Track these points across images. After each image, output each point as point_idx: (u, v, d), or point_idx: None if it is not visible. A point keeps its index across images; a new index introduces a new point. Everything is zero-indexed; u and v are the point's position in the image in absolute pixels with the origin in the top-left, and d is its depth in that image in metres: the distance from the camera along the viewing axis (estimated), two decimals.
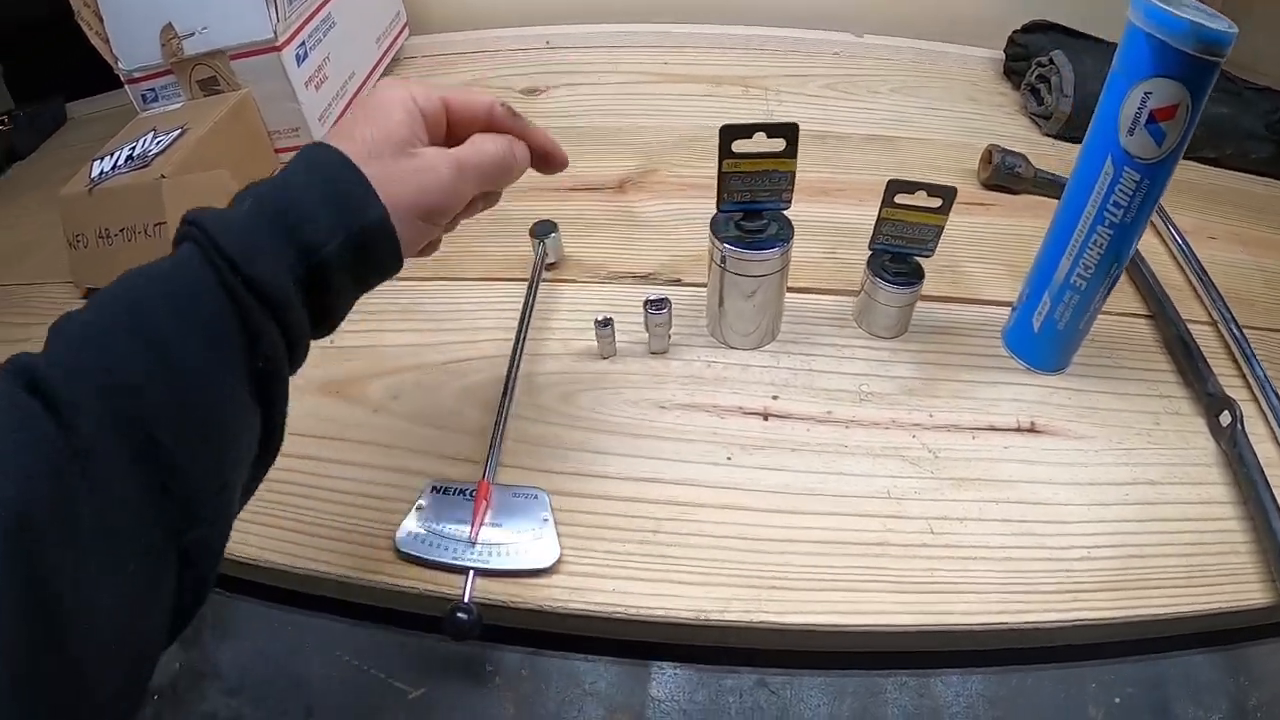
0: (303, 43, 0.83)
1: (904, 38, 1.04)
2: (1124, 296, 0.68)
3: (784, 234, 0.57)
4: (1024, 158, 0.78)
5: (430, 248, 0.47)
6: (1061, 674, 0.50)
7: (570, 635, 0.51)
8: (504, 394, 0.58)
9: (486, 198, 0.49)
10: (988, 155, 0.79)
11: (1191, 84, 0.45)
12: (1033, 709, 0.50)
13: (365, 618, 0.54)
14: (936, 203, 0.55)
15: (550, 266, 0.71)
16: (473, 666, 0.52)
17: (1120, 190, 0.50)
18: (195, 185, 0.73)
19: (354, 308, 0.42)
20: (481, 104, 0.46)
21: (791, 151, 0.53)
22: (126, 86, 0.85)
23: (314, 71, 0.86)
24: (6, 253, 0.85)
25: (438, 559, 0.50)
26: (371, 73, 0.99)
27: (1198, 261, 0.70)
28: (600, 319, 0.60)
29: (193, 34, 0.80)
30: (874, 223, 0.58)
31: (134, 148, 0.77)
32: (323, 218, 0.37)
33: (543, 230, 0.69)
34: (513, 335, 0.62)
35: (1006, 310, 0.64)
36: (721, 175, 0.54)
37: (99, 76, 0.84)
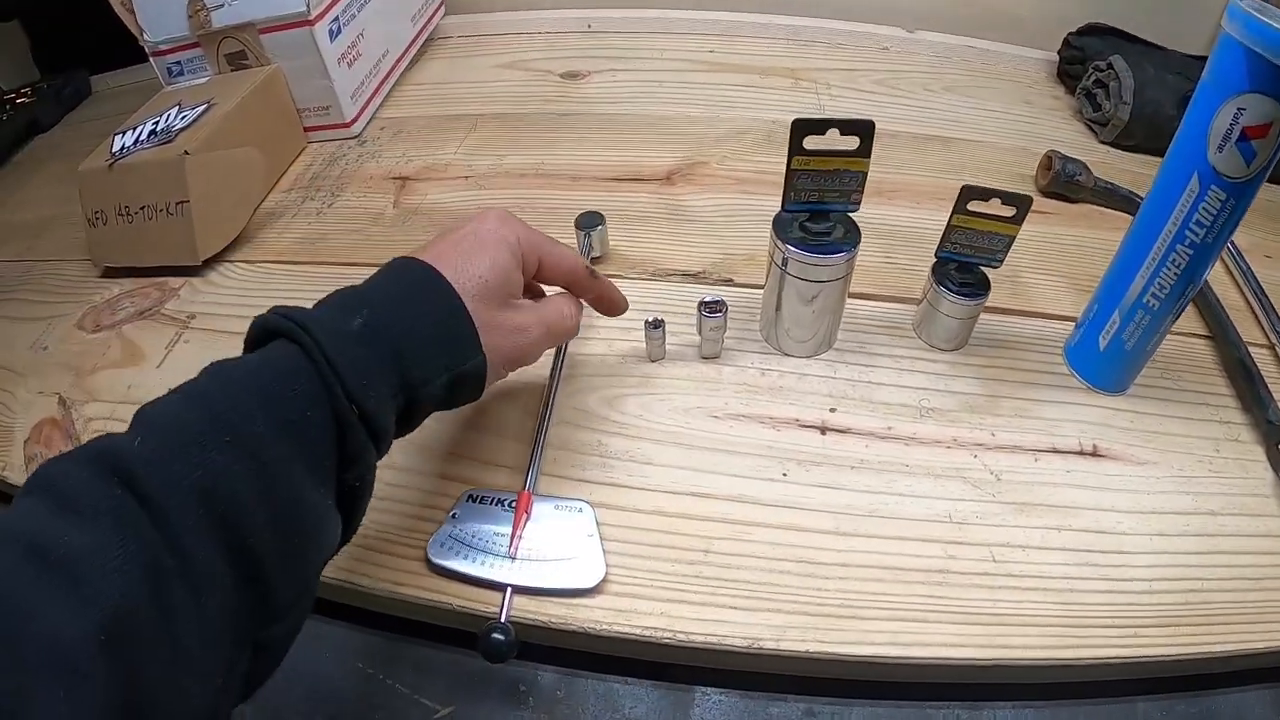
0: (336, 18, 0.81)
1: (956, 35, 1.01)
2: (1185, 316, 0.64)
3: (851, 238, 0.54)
4: (1084, 165, 0.75)
5: None
6: (1113, 709, 0.49)
7: (609, 655, 0.49)
8: (546, 397, 0.55)
9: None
10: (1047, 161, 0.76)
11: None
12: None
13: (390, 628, 0.52)
14: (1010, 211, 0.52)
15: (595, 260, 0.68)
16: (505, 685, 0.50)
17: (1204, 209, 0.47)
18: (221, 162, 0.71)
19: None
20: (568, 265, 0.50)
21: (865, 151, 0.50)
22: (152, 59, 0.83)
23: (347, 48, 0.83)
24: (25, 228, 0.83)
25: (473, 574, 0.47)
26: (406, 51, 0.97)
27: (1257, 281, 0.68)
28: (651, 320, 0.57)
29: (221, 6, 0.79)
30: (943, 229, 0.55)
31: (158, 122, 0.75)
32: (431, 359, 0.40)
33: (589, 222, 0.66)
34: None
35: (1067, 325, 0.62)
36: (790, 172, 0.51)
37: (124, 49, 0.83)
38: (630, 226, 0.72)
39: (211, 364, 0.36)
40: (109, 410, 0.60)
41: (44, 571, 0.26)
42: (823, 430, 0.56)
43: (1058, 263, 0.69)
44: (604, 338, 0.62)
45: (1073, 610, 0.47)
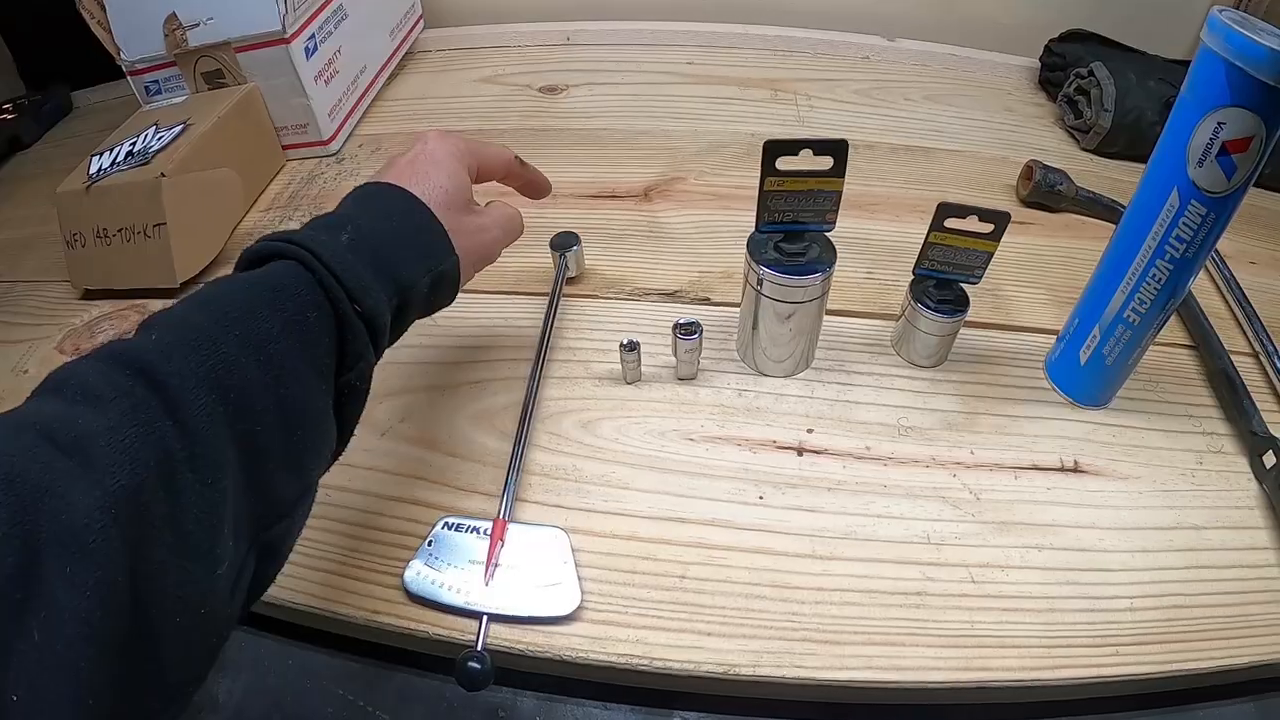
0: (312, 35, 0.80)
1: (936, 43, 1.01)
2: (1167, 325, 0.64)
3: (826, 258, 0.54)
4: (1065, 175, 0.75)
5: None
6: None
7: (587, 681, 0.49)
8: (521, 421, 0.55)
9: None
10: (1028, 171, 0.76)
11: (1269, 117, 0.42)
12: None
13: (370, 654, 0.51)
14: (988, 228, 0.52)
15: (571, 280, 0.68)
16: (485, 711, 0.49)
17: (1184, 224, 0.47)
18: (197, 184, 0.71)
19: None
20: (503, 160, 0.55)
21: (840, 171, 0.49)
22: (129, 78, 0.82)
23: (324, 65, 0.83)
24: (7, 247, 0.82)
25: (449, 602, 0.47)
26: (384, 67, 0.96)
27: (1240, 289, 0.67)
28: (626, 342, 0.56)
29: (198, 24, 0.78)
30: (920, 246, 0.55)
31: (134, 143, 0.74)
32: (414, 261, 0.43)
33: (563, 242, 0.66)
34: (531, 354, 0.59)
35: (1048, 338, 0.61)
36: (763, 193, 0.51)
37: (106, 65, 0.82)
38: (607, 245, 0.72)
39: (212, 279, 0.39)
40: None
41: (58, 453, 0.27)
42: (800, 451, 0.55)
43: (1039, 274, 0.69)
44: (580, 359, 0.62)
45: (1053, 630, 0.47)
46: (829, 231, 0.53)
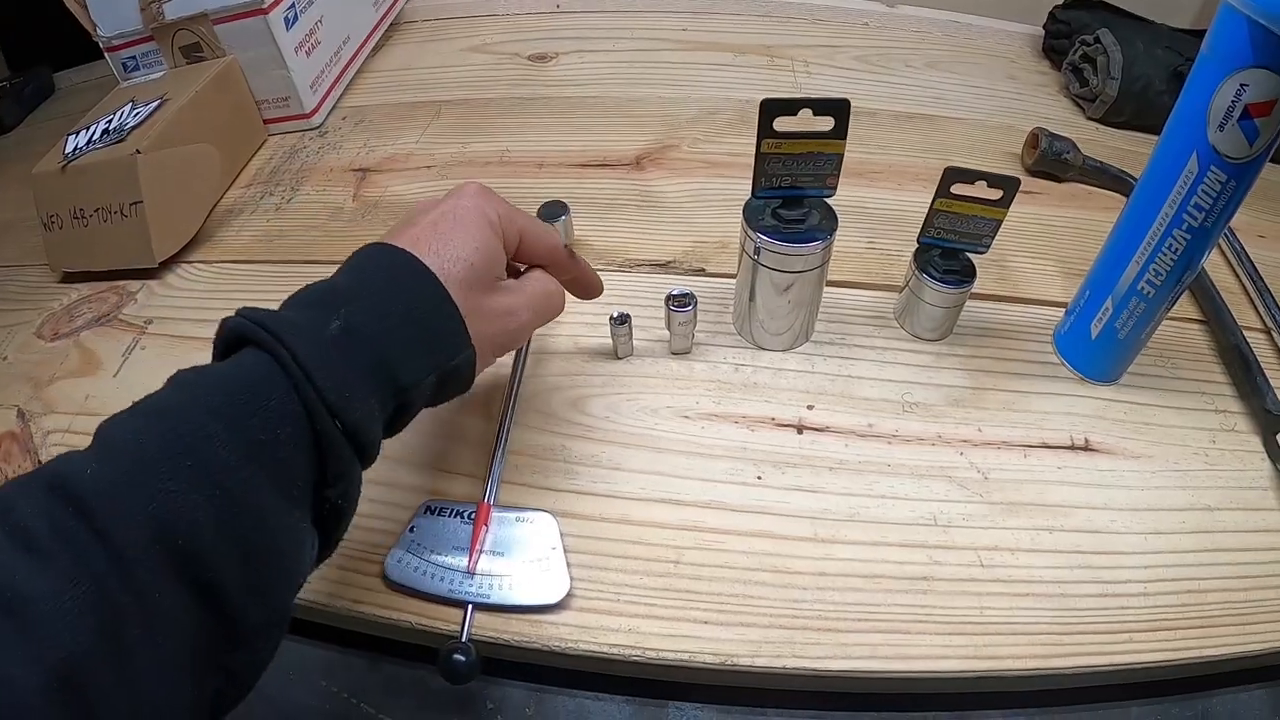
0: (291, 5, 0.78)
1: (937, 9, 0.98)
2: (1179, 300, 0.63)
3: (827, 225, 0.51)
4: (1072, 143, 0.73)
5: None
6: (1106, 714, 0.48)
7: (580, 671, 0.47)
8: (507, 400, 0.53)
9: None
10: (1033, 139, 0.74)
11: None
12: None
13: (355, 645, 0.50)
14: (996, 194, 0.50)
15: None
16: (473, 704, 0.48)
17: (1204, 191, 0.45)
18: (174, 160, 0.69)
19: None
20: (549, 244, 0.46)
21: (841, 132, 0.47)
22: (106, 55, 0.81)
23: (305, 36, 0.80)
24: None
25: (432, 591, 0.45)
26: (368, 38, 0.94)
27: (1251, 263, 0.66)
28: (616, 315, 0.54)
29: None
30: (925, 214, 0.52)
31: (111, 121, 0.73)
32: (418, 358, 0.37)
33: (552, 212, 0.63)
34: None
35: (1056, 311, 0.60)
36: (760, 156, 0.48)
37: (88, 44, 0.80)
38: (597, 215, 0.70)
39: (178, 372, 0.34)
40: (67, 422, 0.57)
41: None
42: (799, 429, 0.53)
43: (1047, 245, 0.67)
44: (569, 334, 0.59)
45: (1064, 616, 0.45)
46: (829, 197, 0.51)
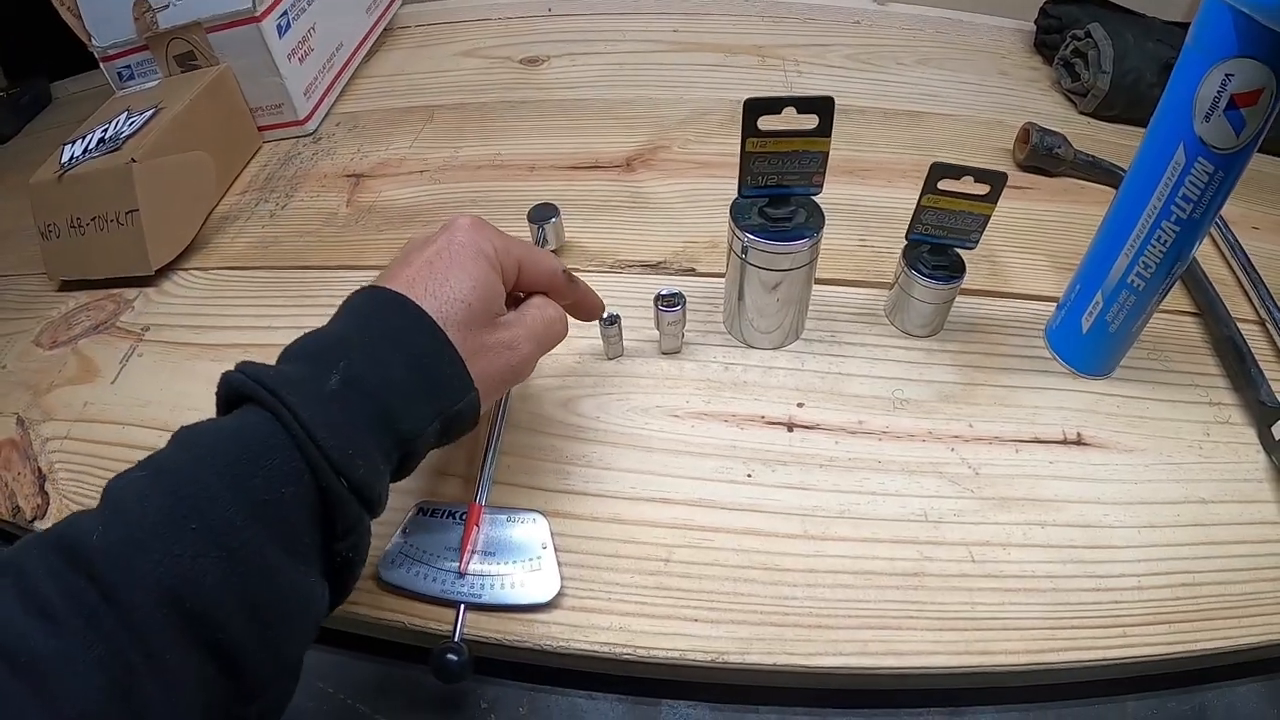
0: (284, 12, 0.78)
1: (929, 6, 0.98)
2: (1171, 292, 0.63)
3: (813, 222, 0.51)
4: (1063, 138, 0.73)
5: None
6: (1101, 709, 0.47)
7: (573, 670, 0.47)
8: (498, 402, 0.53)
9: None
10: (1024, 134, 0.73)
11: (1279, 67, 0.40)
12: None
13: (347, 645, 0.50)
14: (984, 189, 0.50)
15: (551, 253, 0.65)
16: (466, 703, 0.47)
17: (1191, 182, 0.45)
18: (170, 168, 0.69)
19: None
20: (548, 271, 0.46)
21: (825, 130, 0.47)
22: (101, 65, 0.81)
23: (297, 43, 0.81)
24: None
25: (424, 591, 0.45)
26: (361, 43, 0.94)
27: (1245, 254, 0.65)
28: (606, 316, 0.54)
29: (167, 6, 0.76)
30: (912, 210, 0.52)
31: (106, 130, 0.73)
32: (420, 407, 0.37)
33: (542, 215, 0.63)
34: None
35: (1048, 305, 0.59)
36: (745, 156, 0.48)
37: (85, 54, 0.81)
38: (588, 217, 0.70)
39: (181, 430, 0.34)
40: (65, 429, 0.57)
41: (10, 678, 0.26)
42: (790, 427, 0.53)
43: (1037, 240, 0.67)
44: None
45: (1058, 611, 0.45)
46: (816, 195, 0.51)
